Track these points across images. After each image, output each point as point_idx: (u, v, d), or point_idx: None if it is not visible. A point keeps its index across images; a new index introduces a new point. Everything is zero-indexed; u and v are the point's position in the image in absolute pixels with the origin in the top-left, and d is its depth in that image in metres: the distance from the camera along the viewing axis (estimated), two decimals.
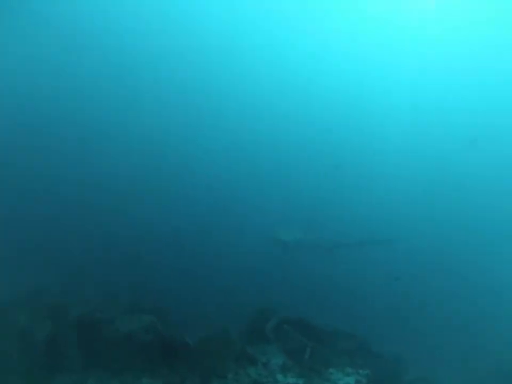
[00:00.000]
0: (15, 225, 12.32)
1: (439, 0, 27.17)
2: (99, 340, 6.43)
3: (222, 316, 8.51)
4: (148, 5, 26.57)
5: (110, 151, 21.64)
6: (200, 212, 18.09)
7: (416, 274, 14.85)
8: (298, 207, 20.12)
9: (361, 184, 23.83)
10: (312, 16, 29.40)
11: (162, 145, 24.32)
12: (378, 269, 15.12)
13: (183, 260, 12.58)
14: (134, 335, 6.49)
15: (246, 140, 27.06)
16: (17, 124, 19.27)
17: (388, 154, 26.06)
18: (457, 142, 25.42)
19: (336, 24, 29.47)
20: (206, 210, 18.52)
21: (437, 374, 9.59)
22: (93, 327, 6.70)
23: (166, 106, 26.25)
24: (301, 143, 27.41)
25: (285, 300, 10.17)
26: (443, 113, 28.28)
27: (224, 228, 17.02)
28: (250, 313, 8.90)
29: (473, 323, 13.01)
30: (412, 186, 23.56)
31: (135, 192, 17.93)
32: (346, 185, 23.11)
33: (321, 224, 16.12)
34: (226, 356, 6.65)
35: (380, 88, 30.11)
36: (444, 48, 28.62)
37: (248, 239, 15.22)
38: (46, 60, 23.15)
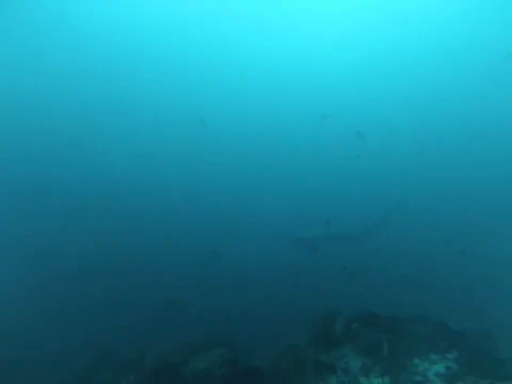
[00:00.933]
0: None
1: None
2: (180, 382, 6.64)
3: (283, 329, 8.38)
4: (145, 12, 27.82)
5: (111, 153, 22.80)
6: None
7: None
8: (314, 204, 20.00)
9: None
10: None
11: (171, 144, 25.50)
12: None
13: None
14: (210, 371, 6.63)
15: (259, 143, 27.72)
16: (15, 128, 20.61)
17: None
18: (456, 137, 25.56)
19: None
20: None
21: None
22: (171, 372, 6.95)
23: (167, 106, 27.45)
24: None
25: (338, 299, 9.86)
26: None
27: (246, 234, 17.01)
28: (313, 320, 8.69)
29: None
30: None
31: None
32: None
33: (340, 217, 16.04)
34: (303, 369, 6.53)
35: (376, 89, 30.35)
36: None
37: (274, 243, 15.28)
38: (46, 64, 24.49)
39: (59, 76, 24.87)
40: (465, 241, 13.62)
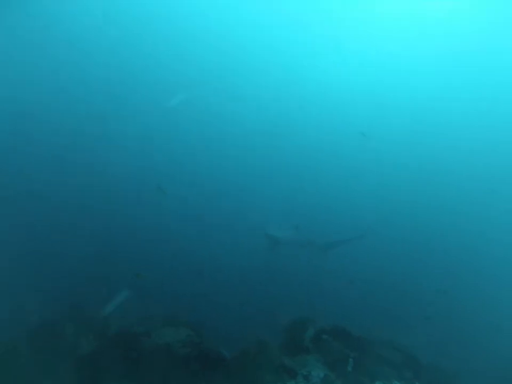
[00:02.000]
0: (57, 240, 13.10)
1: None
2: (139, 353, 6.51)
3: (254, 326, 8.29)
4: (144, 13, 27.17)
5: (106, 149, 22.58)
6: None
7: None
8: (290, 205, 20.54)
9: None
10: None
11: (153, 144, 25.11)
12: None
13: (208, 272, 12.54)
14: (171, 348, 6.50)
15: (241, 137, 27.97)
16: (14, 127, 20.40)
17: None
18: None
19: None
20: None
21: None
22: (132, 341, 6.83)
23: (158, 106, 26.62)
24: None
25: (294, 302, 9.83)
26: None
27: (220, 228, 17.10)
28: (285, 323, 8.60)
29: None
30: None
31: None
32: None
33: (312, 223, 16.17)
34: (264, 368, 6.43)
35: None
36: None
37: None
38: (45, 63, 24.16)
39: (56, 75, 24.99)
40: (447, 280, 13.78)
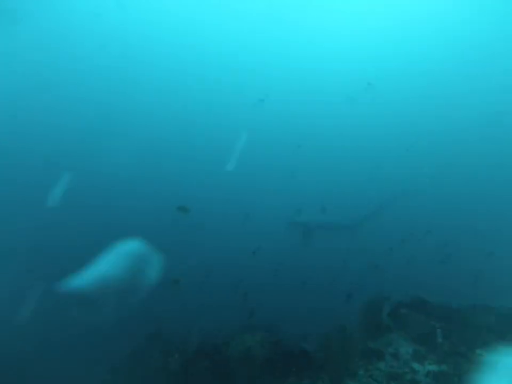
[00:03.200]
0: None
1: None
2: (223, 362, 6.69)
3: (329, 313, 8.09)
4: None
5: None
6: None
7: None
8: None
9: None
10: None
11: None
12: None
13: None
14: (252, 352, 6.59)
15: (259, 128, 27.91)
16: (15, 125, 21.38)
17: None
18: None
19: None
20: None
21: None
22: (214, 352, 7.04)
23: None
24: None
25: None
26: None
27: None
28: (358, 306, 8.30)
29: None
30: None
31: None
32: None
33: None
34: (350, 355, 6.25)
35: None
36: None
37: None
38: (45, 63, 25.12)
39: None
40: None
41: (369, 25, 29.93)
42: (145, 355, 8.54)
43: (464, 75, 28.20)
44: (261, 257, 13.22)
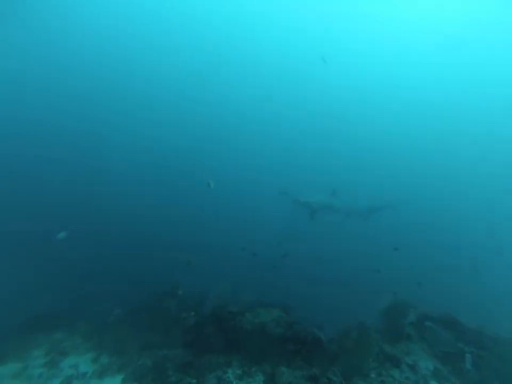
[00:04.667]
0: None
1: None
2: (235, 329, 6.82)
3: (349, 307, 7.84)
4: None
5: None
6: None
7: None
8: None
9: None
10: None
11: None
12: None
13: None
14: (266, 327, 6.61)
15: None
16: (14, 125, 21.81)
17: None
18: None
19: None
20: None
21: None
22: (228, 319, 7.19)
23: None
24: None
25: None
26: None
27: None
28: (381, 306, 7.93)
29: None
30: None
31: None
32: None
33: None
34: (365, 353, 6.02)
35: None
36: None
37: None
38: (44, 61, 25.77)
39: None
40: None
41: None
42: (163, 308, 9.03)
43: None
44: (290, 237, 13.28)
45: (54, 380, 6.39)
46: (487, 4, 23.10)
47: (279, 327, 6.66)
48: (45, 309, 8.61)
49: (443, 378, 6.00)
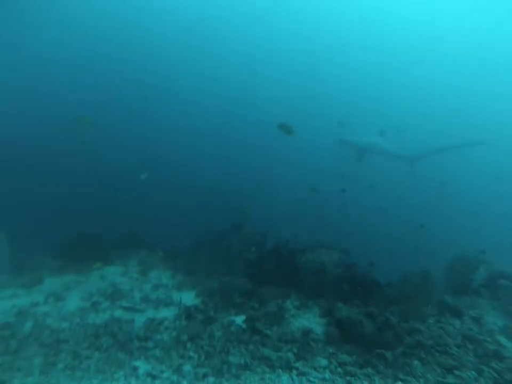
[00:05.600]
0: None
1: None
2: (295, 267, 7.27)
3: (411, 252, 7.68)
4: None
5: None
6: None
7: None
8: None
9: None
10: None
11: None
12: None
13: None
14: (325, 266, 6.90)
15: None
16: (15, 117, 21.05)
17: None
18: None
19: None
20: None
21: None
22: (288, 256, 7.65)
23: None
24: None
25: None
26: None
27: None
28: (448, 256, 7.55)
29: None
30: None
31: None
32: None
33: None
34: (425, 300, 6.00)
35: None
36: None
37: None
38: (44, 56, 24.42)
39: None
40: None
41: None
42: (225, 241, 9.93)
43: None
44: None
45: (146, 285, 7.95)
46: None
47: (338, 268, 6.90)
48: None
49: None
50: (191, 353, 4.89)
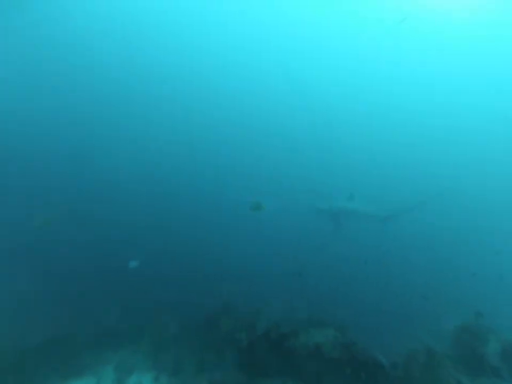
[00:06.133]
0: None
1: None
2: (289, 352, 6.56)
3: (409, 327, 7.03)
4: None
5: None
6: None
7: None
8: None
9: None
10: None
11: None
12: None
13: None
14: (322, 349, 6.26)
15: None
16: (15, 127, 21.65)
17: None
18: None
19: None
20: None
21: None
22: (281, 340, 6.96)
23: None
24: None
25: None
26: None
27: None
28: (450, 327, 6.98)
29: None
30: None
31: None
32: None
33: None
34: (437, 383, 5.30)
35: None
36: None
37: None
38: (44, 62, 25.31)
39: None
40: None
41: None
42: (214, 326, 9.09)
43: None
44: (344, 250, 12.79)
45: None
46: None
47: (335, 350, 6.25)
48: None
49: None
50: None
